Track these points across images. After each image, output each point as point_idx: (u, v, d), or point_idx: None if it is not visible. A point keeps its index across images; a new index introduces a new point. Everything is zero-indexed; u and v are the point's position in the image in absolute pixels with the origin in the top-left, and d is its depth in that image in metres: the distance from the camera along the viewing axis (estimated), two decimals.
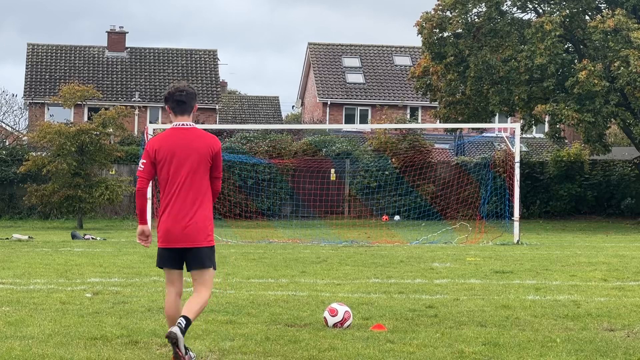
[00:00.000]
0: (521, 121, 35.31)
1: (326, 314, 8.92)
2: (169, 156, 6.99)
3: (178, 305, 7.17)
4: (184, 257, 7.09)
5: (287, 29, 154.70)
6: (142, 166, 7.09)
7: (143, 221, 7.23)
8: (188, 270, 7.18)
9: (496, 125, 42.45)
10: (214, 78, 52.54)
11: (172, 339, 6.69)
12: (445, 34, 33.88)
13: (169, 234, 7.03)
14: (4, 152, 35.15)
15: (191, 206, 6.99)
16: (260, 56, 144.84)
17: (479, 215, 28.11)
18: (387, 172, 35.79)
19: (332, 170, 35.60)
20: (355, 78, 53.45)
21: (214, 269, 7.20)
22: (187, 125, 7.09)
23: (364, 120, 51.59)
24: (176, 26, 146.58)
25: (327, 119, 51.33)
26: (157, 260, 7.25)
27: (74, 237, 23.26)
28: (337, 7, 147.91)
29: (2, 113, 44.98)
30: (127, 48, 53.23)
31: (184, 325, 6.78)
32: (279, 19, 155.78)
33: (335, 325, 8.79)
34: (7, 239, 22.29)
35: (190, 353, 6.97)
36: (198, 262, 7.06)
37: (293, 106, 69.22)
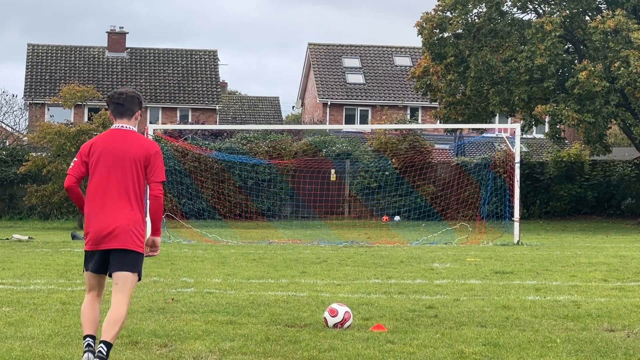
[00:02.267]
0: (521, 121, 35.31)
1: (326, 314, 8.93)
2: (99, 156, 6.77)
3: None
4: (108, 259, 6.78)
5: (290, 29, 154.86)
6: (72, 164, 6.88)
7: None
8: (109, 274, 6.89)
9: (496, 125, 42.46)
10: (214, 78, 52.54)
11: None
12: (446, 35, 33.88)
13: (96, 236, 6.72)
14: (4, 152, 35.16)
15: (119, 208, 6.72)
16: (262, 56, 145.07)
17: (479, 215, 28.12)
18: (387, 173, 35.79)
19: (332, 171, 35.59)
20: (356, 78, 53.46)
21: (139, 277, 6.86)
22: (125, 127, 6.88)
23: (364, 120, 51.59)
24: (180, 26, 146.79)
25: (327, 119, 51.34)
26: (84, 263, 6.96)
27: (74, 237, 23.26)
28: (342, 7, 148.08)
29: (2, 113, 45.00)
30: (127, 48, 53.24)
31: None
32: (282, 19, 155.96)
33: (335, 325, 8.79)
34: (7, 239, 22.29)
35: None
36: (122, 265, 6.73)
37: (293, 106, 69.26)
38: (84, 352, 6.61)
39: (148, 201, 7.04)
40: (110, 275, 6.89)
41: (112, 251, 6.74)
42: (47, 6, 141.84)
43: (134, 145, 6.82)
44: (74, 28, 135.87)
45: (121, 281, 6.79)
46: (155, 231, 7.02)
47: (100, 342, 6.57)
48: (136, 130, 6.95)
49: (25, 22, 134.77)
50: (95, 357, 6.49)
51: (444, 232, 25.20)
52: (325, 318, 8.91)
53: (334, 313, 8.86)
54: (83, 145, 6.99)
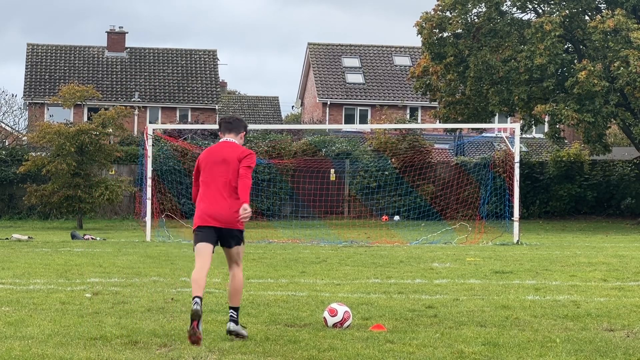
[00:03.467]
0: (521, 121, 35.29)
1: (326, 314, 8.93)
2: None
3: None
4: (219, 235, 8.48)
5: (292, 28, 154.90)
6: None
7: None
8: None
9: (496, 125, 42.46)
10: (213, 78, 52.53)
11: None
12: (445, 34, 33.87)
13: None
14: (3, 152, 35.15)
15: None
16: (263, 56, 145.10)
17: (479, 215, 28.11)
18: (386, 172, 35.78)
19: (332, 171, 35.59)
20: (355, 78, 53.46)
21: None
22: (229, 140, 8.72)
23: (363, 120, 51.59)
24: (182, 26, 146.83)
25: (327, 119, 51.34)
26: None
27: (73, 237, 23.26)
28: (345, 6, 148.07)
29: (2, 113, 44.98)
30: (126, 48, 53.23)
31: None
32: (284, 18, 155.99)
33: (334, 325, 8.79)
34: (7, 239, 22.28)
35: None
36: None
37: (293, 106, 69.28)
38: None
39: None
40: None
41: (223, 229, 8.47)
42: (48, 6, 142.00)
43: (234, 150, 8.62)
44: (75, 28, 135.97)
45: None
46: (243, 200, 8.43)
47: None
48: (238, 144, 8.71)
49: (26, 22, 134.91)
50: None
51: (444, 231, 25.20)
52: (324, 318, 8.92)
53: (333, 313, 8.87)
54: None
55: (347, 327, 8.81)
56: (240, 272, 8.51)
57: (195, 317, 7.83)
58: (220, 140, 8.70)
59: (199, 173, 8.61)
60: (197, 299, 7.99)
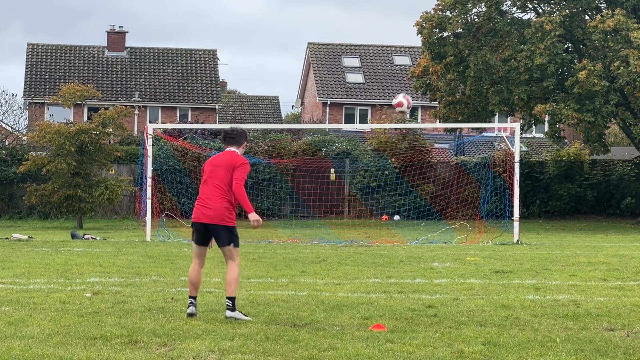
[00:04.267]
0: (521, 121, 35.30)
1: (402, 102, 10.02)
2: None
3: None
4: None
5: (293, 28, 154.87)
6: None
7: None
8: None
9: (496, 125, 42.45)
10: (213, 78, 52.54)
11: None
12: (445, 34, 33.86)
13: None
14: (3, 152, 35.13)
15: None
16: (263, 56, 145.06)
17: (479, 215, 28.11)
18: (386, 172, 35.78)
19: (332, 170, 35.58)
20: (355, 78, 53.46)
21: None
22: (230, 149, 9.87)
23: (363, 120, 51.59)
24: (183, 26, 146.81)
25: (327, 118, 51.34)
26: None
27: (73, 236, 23.25)
28: (346, 6, 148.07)
29: (2, 113, 44.98)
30: (126, 48, 53.24)
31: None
32: (286, 18, 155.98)
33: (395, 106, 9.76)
34: (7, 238, 22.28)
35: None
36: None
37: (293, 106, 69.28)
38: None
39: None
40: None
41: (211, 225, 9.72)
42: (50, 5, 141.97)
43: (231, 157, 9.77)
44: (77, 27, 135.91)
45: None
46: (245, 208, 9.79)
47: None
48: (239, 153, 9.82)
49: (27, 21, 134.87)
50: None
51: (444, 231, 25.20)
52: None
53: (400, 105, 9.84)
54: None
55: (401, 111, 9.70)
56: (235, 267, 9.57)
57: (190, 317, 8.95)
58: (225, 150, 9.91)
59: (203, 175, 9.78)
60: (193, 300, 9.37)
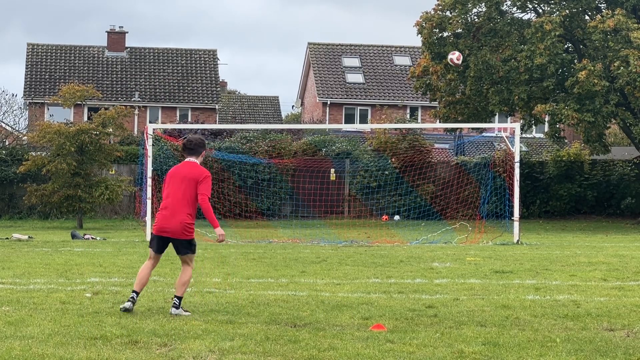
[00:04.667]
0: (521, 121, 35.30)
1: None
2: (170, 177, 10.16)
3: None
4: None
5: (294, 28, 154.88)
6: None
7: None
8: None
9: (496, 125, 42.46)
10: (213, 78, 52.53)
11: None
12: (445, 34, 33.86)
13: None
14: (3, 152, 35.13)
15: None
16: (264, 56, 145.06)
17: (479, 215, 28.11)
18: (387, 172, 35.77)
19: (332, 170, 35.58)
20: (355, 78, 53.46)
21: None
22: (190, 160, 10.12)
23: (363, 120, 51.59)
24: (184, 26, 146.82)
25: (327, 118, 51.34)
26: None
27: (73, 236, 23.26)
28: (348, 6, 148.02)
29: (2, 113, 44.99)
30: (126, 48, 53.24)
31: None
32: (287, 18, 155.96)
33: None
34: (7, 238, 22.28)
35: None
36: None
37: (293, 106, 69.28)
38: None
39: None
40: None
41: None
42: (50, 5, 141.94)
43: (193, 170, 10.00)
44: (77, 27, 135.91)
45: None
46: (212, 224, 10.00)
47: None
48: (198, 163, 10.08)
49: (28, 21, 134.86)
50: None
51: (444, 231, 25.20)
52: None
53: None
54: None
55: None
56: (189, 270, 9.95)
57: (126, 312, 9.50)
58: (184, 161, 10.16)
59: (165, 185, 10.09)
60: (135, 295, 9.75)
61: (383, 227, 29.44)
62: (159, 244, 10.03)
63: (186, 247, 9.94)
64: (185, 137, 10.30)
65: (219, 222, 10.18)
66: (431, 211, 32.89)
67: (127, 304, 9.67)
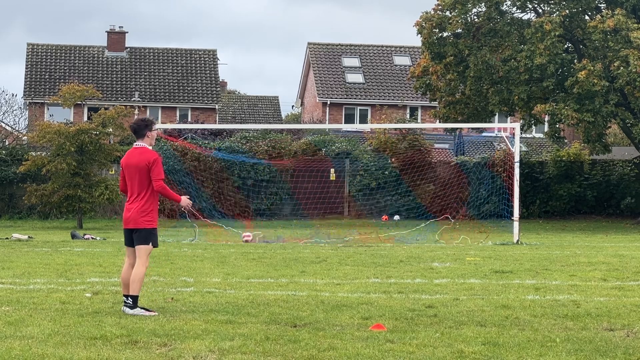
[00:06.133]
0: (521, 121, 35.28)
1: None
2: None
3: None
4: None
5: (296, 28, 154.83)
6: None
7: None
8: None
9: (496, 125, 42.48)
10: (213, 78, 52.54)
11: None
12: (445, 34, 33.84)
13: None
14: (3, 152, 35.14)
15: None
16: (265, 56, 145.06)
17: (464, 208, 28.02)
18: (386, 172, 35.77)
19: (332, 170, 35.58)
20: (355, 78, 53.46)
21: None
22: (138, 145, 9.90)
23: (363, 120, 51.59)
24: (184, 26, 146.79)
25: (327, 118, 51.34)
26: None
27: (73, 236, 23.26)
28: (351, 6, 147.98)
29: (2, 113, 45.00)
30: (126, 48, 53.24)
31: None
32: (289, 18, 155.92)
33: None
34: (7, 238, 22.28)
35: None
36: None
37: (293, 106, 69.28)
38: None
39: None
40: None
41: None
42: (52, 5, 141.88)
43: (141, 157, 9.80)
44: (77, 27, 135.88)
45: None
46: (173, 200, 10.20)
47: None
48: (146, 146, 9.82)
49: (30, 21, 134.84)
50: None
51: (427, 224, 25.17)
52: None
53: None
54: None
55: None
56: (141, 266, 9.68)
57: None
58: (133, 146, 9.95)
59: (124, 174, 9.98)
60: (126, 299, 9.64)
61: (383, 227, 29.43)
62: (126, 236, 9.98)
63: (141, 239, 9.71)
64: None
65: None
66: (431, 211, 32.86)
67: (125, 309, 9.66)
